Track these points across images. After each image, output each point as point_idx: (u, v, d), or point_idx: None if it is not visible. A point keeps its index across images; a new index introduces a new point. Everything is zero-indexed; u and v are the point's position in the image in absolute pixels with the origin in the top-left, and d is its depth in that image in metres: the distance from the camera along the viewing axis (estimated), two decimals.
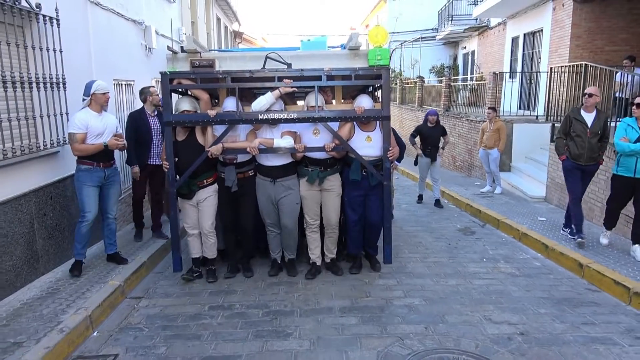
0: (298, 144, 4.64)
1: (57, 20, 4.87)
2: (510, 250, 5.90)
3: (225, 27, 18.29)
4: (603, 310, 4.17)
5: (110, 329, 3.92)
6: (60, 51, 4.92)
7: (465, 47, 20.63)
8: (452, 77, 16.15)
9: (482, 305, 4.29)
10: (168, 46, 5.45)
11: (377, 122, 4.82)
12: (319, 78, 4.66)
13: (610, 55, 10.12)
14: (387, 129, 4.78)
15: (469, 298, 4.44)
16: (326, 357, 3.44)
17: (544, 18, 11.85)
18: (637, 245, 5.12)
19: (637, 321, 3.95)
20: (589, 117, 5.47)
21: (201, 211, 4.74)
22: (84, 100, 4.65)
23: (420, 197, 8.68)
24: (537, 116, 10.15)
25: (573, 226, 5.62)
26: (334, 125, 4.76)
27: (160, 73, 4.66)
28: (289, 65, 4.73)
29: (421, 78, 16.94)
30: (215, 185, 4.80)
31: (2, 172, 4.16)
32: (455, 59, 22.55)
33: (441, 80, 14.88)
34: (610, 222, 5.41)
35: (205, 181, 4.73)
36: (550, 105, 8.49)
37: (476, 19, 16.95)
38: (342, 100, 5.18)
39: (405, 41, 23.06)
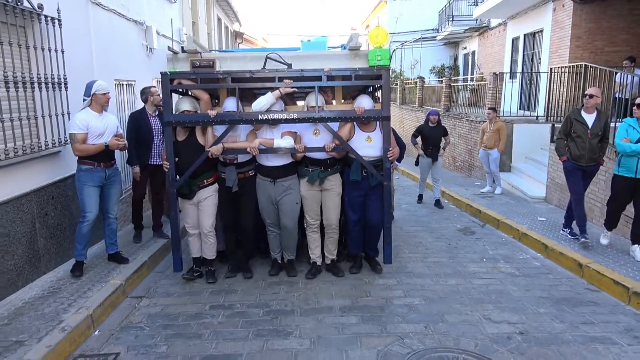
0: (298, 144, 4.65)
1: (59, 20, 4.89)
2: (510, 250, 5.92)
3: (226, 28, 18.32)
4: (602, 309, 4.19)
5: (111, 328, 3.94)
6: (62, 51, 4.94)
7: (465, 48, 20.65)
8: (453, 78, 16.16)
9: (481, 304, 4.30)
10: (168, 46, 5.45)
11: (377, 122, 4.83)
12: (319, 78, 4.67)
13: (610, 55, 10.14)
14: (387, 129, 4.79)
15: (469, 298, 4.46)
16: (326, 356, 3.46)
17: (544, 19, 11.87)
18: (636, 245, 5.13)
19: (636, 321, 3.96)
20: (589, 118, 5.48)
21: (201, 210, 4.75)
22: (84, 100, 4.66)
23: (420, 197, 8.70)
24: (537, 116, 10.17)
25: (577, 227, 5.59)
26: (334, 126, 4.77)
27: (161, 73, 4.66)
28: (289, 65, 4.73)
29: (421, 78, 16.96)
30: (216, 185, 4.81)
31: (4, 171, 4.18)
32: (455, 59, 22.58)
33: (441, 80, 14.90)
34: (611, 222, 5.40)
35: (205, 181, 4.74)
36: (550, 105, 8.51)
37: (477, 20, 16.98)
38: (342, 101, 5.19)
39: (405, 41, 23.10)
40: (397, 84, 19.49)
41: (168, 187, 5.31)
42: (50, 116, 4.82)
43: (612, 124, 5.91)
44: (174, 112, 4.77)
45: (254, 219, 4.96)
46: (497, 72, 10.86)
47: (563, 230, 5.99)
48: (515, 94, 11.75)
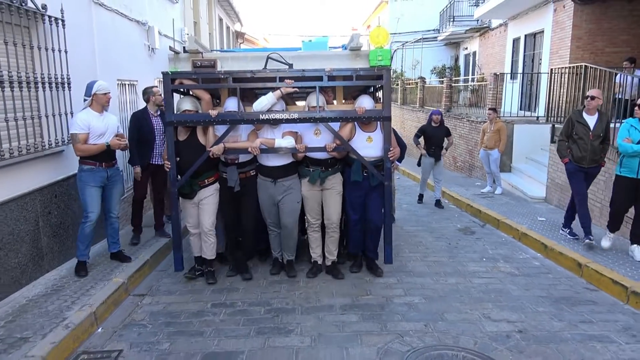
0: (299, 144, 4.67)
1: (63, 21, 4.93)
2: (509, 249, 5.95)
3: (228, 28, 18.36)
4: (601, 308, 4.22)
5: (114, 325, 3.98)
6: (65, 51, 4.99)
7: (466, 48, 20.69)
8: (454, 78, 16.19)
9: (481, 303, 4.34)
10: (170, 46, 5.49)
11: (378, 122, 4.85)
12: (320, 78, 4.69)
13: (610, 56, 10.16)
14: (388, 129, 4.81)
15: (469, 296, 4.49)
16: (327, 353, 3.49)
17: (545, 19, 11.90)
18: (635, 245, 5.15)
19: (634, 320, 4.00)
20: (591, 120, 5.49)
21: (201, 209, 4.76)
22: (85, 100, 4.68)
23: (420, 197, 8.72)
24: (537, 117, 10.19)
25: (582, 228, 5.57)
26: (335, 126, 4.79)
27: (162, 73, 4.68)
28: (291, 65, 4.75)
29: (422, 79, 17.00)
30: (217, 185, 4.83)
31: (8, 170, 4.23)
32: (456, 59, 22.61)
33: (442, 81, 14.94)
34: (614, 224, 5.33)
35: (206, 180, 4.75)
36: (550, 106, 8.54)
37: (477, 20, 17.01)
38: (343, 101, 5.22)
39: (406, 42, 23.14)
40: (398, 85, 19.53)
41: (169, 186, 5.34)
42: (53, 116, 4.86)
43: (612, 125, 5.94)
44: (175, 112, 4.79)
45: (255, 219, 4.99)
46: (498, 73, 10.90)
47: (563, 230, 6.02)
48: (516, 94, 11.79)
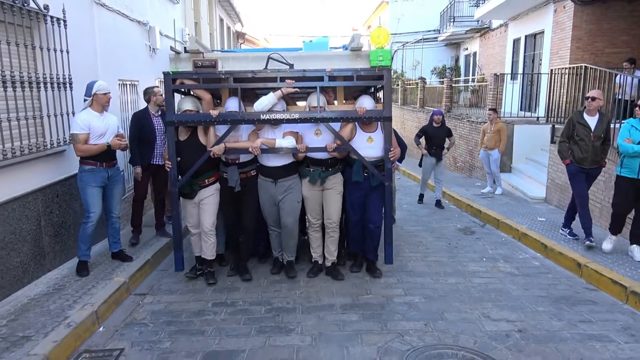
0: (300, 144, 4.69)
1: (64, 21, 4.95)
2: (509, 249, 5.97)
3: (228, 28, 18.39)
4: (600, 308, 4.24)
5: (115, 324, 4.00)
6: (67, 52, 5.01)
7: (467, 49, 20.71)
8: (454, 79, 16.21)
9: (481, 303, 4.35)
10: (171, 46, 5.51)
11: (379, 122, 4.87)
12: (321, 79, 4.70)
13: (610, 57, 10.19)
14: (389, 129, 4.82)
15: (468, 296, 4.51)
16: (327, 352, 3.51)
17: (545, 20, 11.92)
18: (635, 245, 5.16)
19: (633, 319, 4.01)
20: (592, 121, 5.49)
21: (202, 209, 4.77)
22: (85, 100, 4.69)
23: (421, 197, 8.72)
24: (537, 117, 10.22)
25: (583, 229, 5.56)
26: (336, 126, 4.80)
27: (164, 73, 4.69)
28: (291, 65, 4.76)
29: (423, 79, 17.02)
30: (217, 185, 4.84)
31: (11, 170, 4.25)
32: (457, 60, 22.63)
33: (443, 81, 14.96)
34: (616, 227, 5.27)
35: (206, 180, 4.76)
36: (550, 106, 8.56)
37: (478, 21, 17.04)
38: (344, 101, 5.24)
39: (407, 42, 23.16)
40: (398, 85, 19.55)
41: (170, 186, 5.36)
42: (55, 115, 4.88)
43: (612, 126, 5.95)
44: (176, 112, 4.80)
45: (255, 219, 5.00)
46: (498, 73, 10.93)
47: (562, 230, 6.03)
48: (516, 95, 11.81)
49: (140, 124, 5.69)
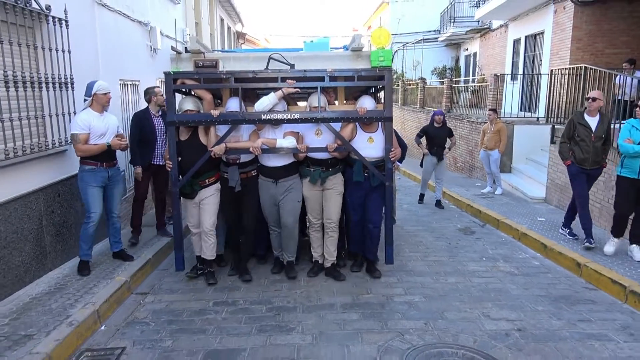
0: (300, 145, 4.70)
1: (66, 21, 4.97)
2: (509, 249, 5.98)
3: (229, 28, 18.41)
4: (599, 307, 4.26)
5: (117, 323, 4.01)
6: (69, 52, 5.03)
7: (467, 49, 20.73)
8: (454, 79, 16.23)
9: (480, 302, 4.37)
10: (172, 46, 5.52)
11: (380, 123, 4.88)
12: (321, 79, 4.71)
13: (610, 57, 10.20)
14: (390, 130, 4.83)
15: (468, 295, 4.53)
16: (328, 350, 3.53)
17: (546, 21, 11.94)
18: (634, 245, 5.18)
19: (632, 318, 4.03)
20: (592, 121, 5.50)
21: (202, 209, 4.78)
22: (85, 100, 4.70)
23: (421, 197, 8.73)
24: (537, 118, 10.23)
25: (583, 230, 5.57)
26: (337, 126, 4.80)
27: (165, 73, 4.70)
28: (292, 66, 4.77)
29: (423, 79, 17.03)
30: (217, 184, 4.85)
31: (13, 169, 4.27)
32: (457, 60, 22.65)
33: (443, 81, 14.98)
34: (618, 229, 5.23)
35: (207, 180, 4.77)
36: (550, 107, 8.57)
37: (478, 21, 17.06)
38: (345, 101, 5.25)
39: (407, 42, 23.18)
40: (398, 85, 19.58)
41: (171, 186, 5.37)
42: (57, 115, 4.90)
43: (612, 126, 5.96)
44: (176, 112, 4.81)
45: (256, 219, 5.00)
46: (498, 74, 10.94)
47: (562, 229, 6.04)
48: (516, 95, 11.82)
49: (140, 124, 5.69)
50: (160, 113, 5.83)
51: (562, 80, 8.27)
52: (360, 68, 4.77)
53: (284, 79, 4.64)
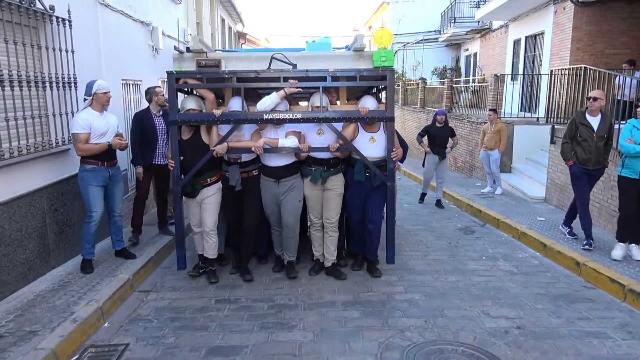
0: (302, 144, 4.72)
1: (70, 21, 5.01)
2: (509, 248, 6.02)
3: (230, 28, 18.44)
4: (598, 306, 4.29)
5: (120, 320, 4.05)
6: (72, 51, 5.06)
7: (467, 49, 20.77)
8: (454, 79, 16.27)
9: (480, 300, 4.41)
10: (175, 46, 5.55)
11: (381, 123, 4.89)
12: (323, 79, 4.72)
13: (610, 58, 10.24)
14: (391, 130, 4.84)
15: (468, 294, 4.57)
16: (329, 347, 3.57)
17: (546, 21, 11.98)
18: (634, 244, 5.20)
19: (630, 317, 4.07)
20: (594, 121, 5.50)
21: (204, 209, 4.80)
22: (85, 100, 4.72)
23: (422, 196, 8.75)
24: (537, 118, 10.27)
25: (583, 231, 5.59)
26: (338, 126, 4.82)
27: (167, 72, 4.72)
28: (294, 65, 4.79)
29: (423, 80, 17.07)
30: (219, 184, 4.87)
31: (17, 168, 4.30)
32: (457, 61, 22.69)
33: (443, 82, 15.01)
34: (623, 232, 5.16)
35: (209, 179, 4.79)
36: (550, 107, 8.61)
37: (478, 22, 17.10)
38: (347, 101, 5.28)
39: (407, 43, 23.22)
40: (399, 85, 19.61)
41: (172, 186, 5.39)
42: (60, 115, 4.93)
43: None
44: (179, 111, 4.83)
45: (257, 219, 5.03)
46: (499, 74, 10.98)
47: (563, 227, 6.07)
48: (516, 95, 11.86)
49: (141, 123, 5.70)
50: (161, 113, 5.85)
51: (562, 80, 8.31)
52: (362, 68, 4.79)
53: (286, 79, 4.66)
